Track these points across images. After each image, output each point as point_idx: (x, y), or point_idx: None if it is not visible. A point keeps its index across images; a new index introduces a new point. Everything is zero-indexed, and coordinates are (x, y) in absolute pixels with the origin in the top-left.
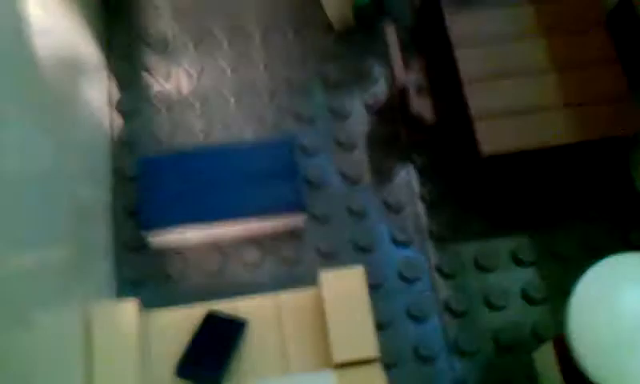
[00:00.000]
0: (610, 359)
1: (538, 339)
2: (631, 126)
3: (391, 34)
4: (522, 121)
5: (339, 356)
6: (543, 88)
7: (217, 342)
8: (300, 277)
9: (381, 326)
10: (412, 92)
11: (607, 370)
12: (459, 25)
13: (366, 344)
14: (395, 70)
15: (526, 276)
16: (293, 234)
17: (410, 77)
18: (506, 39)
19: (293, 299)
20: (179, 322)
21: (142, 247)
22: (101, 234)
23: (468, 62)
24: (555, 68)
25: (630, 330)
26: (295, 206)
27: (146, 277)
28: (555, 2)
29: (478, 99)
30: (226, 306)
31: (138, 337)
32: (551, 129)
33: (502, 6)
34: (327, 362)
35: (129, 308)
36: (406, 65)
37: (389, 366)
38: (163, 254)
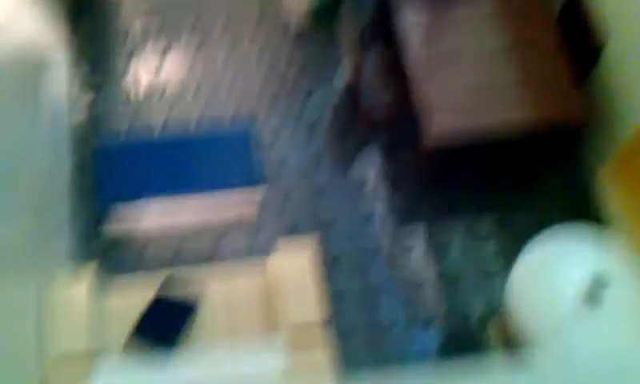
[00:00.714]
0: (547, 327)
1: (490, 312)
2: (577, 113)
3: (344, 33)
4: (470, 106)
5: (287, 319)
6: (493, 68)
7: (171, 312)
8: (259, 248)
9: (336, 296)
10: (366, 86)
11: (543, 335)
12: (409, 13)
13: (313, 309)
14: (347, 69)
15: (479, 252)
16: (252, 209)
17: (365, 71)
18: (456, 21)
19: (247, 268)
20: (136, 290)
21: (102, 227)
22: (62, 213)
23: (414, 44)
24: (504, 49)
25: (568, 303)
26: (253, 180)
27: (104, 257)
28: None
29: (424, 81)
30: (183, 275)
31: (90, 300)
32: (500, 108)
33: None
34: (277, 327)
35: (85, 275)
36: (362, 60)
37: (343, 337)
38: (123, 235)
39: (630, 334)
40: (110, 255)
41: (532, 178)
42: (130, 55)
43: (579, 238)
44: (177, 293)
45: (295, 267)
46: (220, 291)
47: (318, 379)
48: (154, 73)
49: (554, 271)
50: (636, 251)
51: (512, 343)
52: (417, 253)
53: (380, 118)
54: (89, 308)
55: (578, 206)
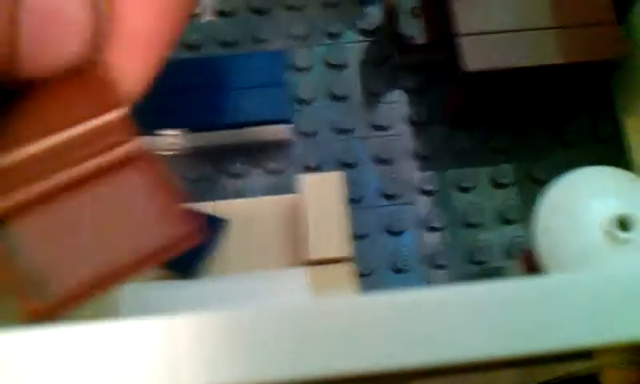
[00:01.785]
0: (573, 264)
1: (510, 257)
2: (616, 51)
3: None
4: (508, 40)
5: (313, 254)
6: (530, 9)
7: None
8: (284, 189)
9: (360, 237)
10: (402, 13)
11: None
12: None
13: (339, 244)
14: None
15: (503, 197)
16: (279, 147)
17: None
18: None
19: (273, 202)
20: None
21: None
22: None
23: None
24: None
25: (593, 240)
26: (282, 117)
27: None
28: None
29: (463, 16)
30: (206, 208)
31: None
32: (537, 49)
33: None
34: (303, 260)
35: None
36: None
37: (364, 275)
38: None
39: None
40: None
41: (563, 122)
42: None
43: (605, 177)
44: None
45: (322, 200)
46: (245, 222)
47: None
48: None
49: (578, 209)
50: None
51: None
52: (441, 197)
53: (418, 44)
54: None
55: (608, 155)
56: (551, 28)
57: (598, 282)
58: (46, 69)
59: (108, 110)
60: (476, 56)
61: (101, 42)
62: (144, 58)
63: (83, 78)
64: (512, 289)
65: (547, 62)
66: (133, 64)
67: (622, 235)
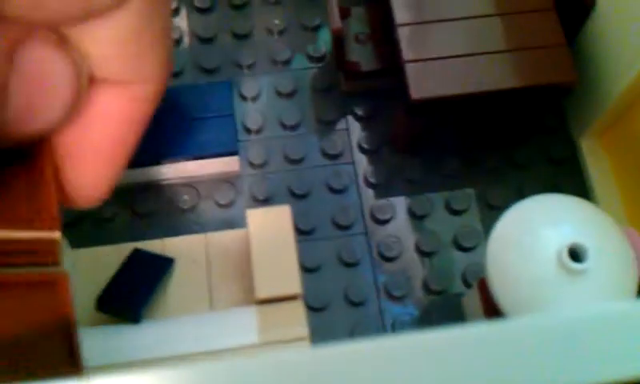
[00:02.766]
0: (524, 296)
1: (467, 285)
2: (567, 74)
3: None
4: (456, 66)
5: (261, 293)
6: (479, 34)
7: (141, 277)
8: (234, 222)
9: (312, 270)
10: (350, 40)
11: (522, 306)
12: None
13: (289, 281)
14: (331, 18)
15: (457, 224)
16: (228, 179)
17: (350, 25)
18: None
19: (221, 238)
20: (104, 259)
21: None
22: None
23: (401, 6)
24: (491, 14)
25: (545, 271)
26: (230, 149)
27: (78, 218)
28: None
29: (410, 44)
30: (154, 245)
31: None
32: (486, 74)
33: None
34: (252, 299)
35: None
36: (346, 13)
37: (318, 309)
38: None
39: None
40: (82, 221)
41: (516, 145)
42: None
43: (559, 205)
44: (146, 261)
45: (270, 236)
46: (194, 260)
47: (294, 349)
48: None
49: (531, 239)
50: (620, 220)
51: (492, 313)
52: (394, 226)
53: (365, 72)
54: None
55: (563, 177)
56: (500, 52)
57: (555, 326)
58: (32, 133)
59: (43, 227)
60: (422, 84)
61: (77, 110)
62: (106, 166)
63: (32, 182)
64: (470, 336)
65: (496, 87)
66: (94, 170)
67: (574, 266)
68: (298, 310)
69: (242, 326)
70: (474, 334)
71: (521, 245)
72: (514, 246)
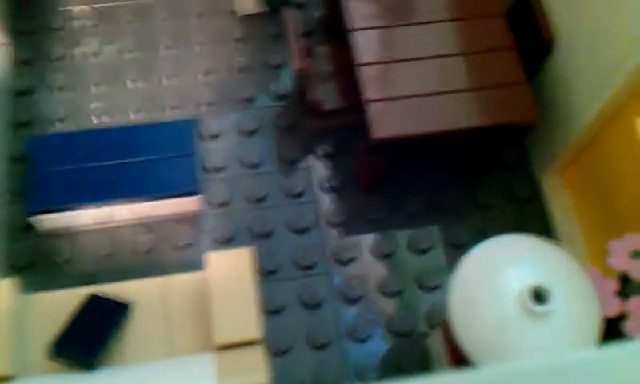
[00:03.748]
0: (487, 338)
1: (431, 326)
2: (528, 114)
3: (290, 20)
4: (414, 106)
5: (220, 338)
6: (438, 74)
7: (96, 323)
8: (194, 264)
9: (274, 312)
10: (313, 79)
11: (485, 349)
12: (357, 9)
13: (249, 326)
14: (292, 57)
15: (421, 263)
16: (188, 219)
17: (313, 63)
18: (403, 25)
19: (180, 282)
20: (61, 304)
21: (30, 230)
22: None
23: (364, 46)
24: (453, 54)
25: (508, 313)
26: (190, 190)
27: (33, 261)
28: None
29: (371, 83)
30: (112, 289)
31: (10, 316)
32: (443, 114)
33: None
34: (212, 344)
35: (3, 288)
36: (309, 52)
37: (281, 352)
38: (52, 236)
39: (578, 348)
40: (39, 263)
41: (479, 183)
42: (68, 41)
43: (521, 246)
44: (102, 307)
45: (230, 280)
46: (152, 302)
47: None
48: (91, 61)
49: (493, 281)
50: (583, 257)
51: (456, 354)
52: (358, 265)
53: (327, 110)
54: (8, 329)
55: (527, 215)
56: (462, 91)
57: (519, 374)
58: None
59: None
60: (383, 123)
61: None
62: None
63: None
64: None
65: (458, 126)
66: None
67: (537, 308)
68: (257, 355)
69: (199, 374)
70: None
71: (483, 286)
72: (476, 287)
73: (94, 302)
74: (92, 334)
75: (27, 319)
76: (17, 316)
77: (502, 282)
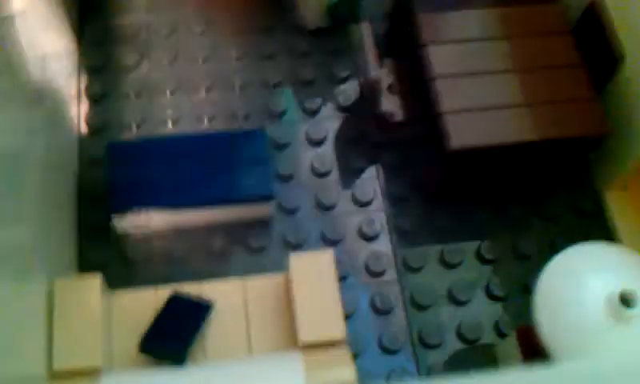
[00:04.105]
0: (577, 342)
1: (499, 334)
2: (595, 128)
3: (363, 33)
4: (489, 118)
5: (305, 336)
6: (509, 87)
7: (181, 320)
8: (266, 267)
9: (346, 317)
10: (382, 90)
11: (575, 352)
12: (429, 25)
13: (333, 326)
14: (367, 68)
15: (488, 273)
16: (261, 224)
17: (381, 76)
18: (474, 40)
19: (259, 284)
20: (142, 302)
21: (107, 231)
22: (65, 217)
23: (437, 59)
24: (521, 69)
25: (595, 317)
26: (264, 195)
27: (109, 261)
28: (523, 8)
29: (447, 95)
30: (192, 289)
31: (100, 310)
32: (517, 126)
33: (470, 9)
34: (294, 343)
35: (92, 282)
36: (377, 64)
37: (353, 356)
38: (128, 238)
39: None
40: (115, 263)
41: (545, 197)
42: (140, 52)
43: (603, 253)
44: (186, 305)
45: (313, 280)
46: (231, 302)
47: None
48: (166, 69)
49: (580, 286)
50: None
51: (534, 360)
52: (427, 273)
53: (397, 121)
54: (96, 321)
55: (590, 229)
56: (532, 104)
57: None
58: None
59: None
60: (460, 133)
61: None
62: None
63: None
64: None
65: (529, 138)
66: None
67: (626, 312)
68: (343, 353)
69: (287, 369)
70: (531, 375)
71: (570, 291)
72: (564, 292)
73: (179, 299)
74: (179, 330)
75: (112, 315)
76: (105, 311)
77: (586, 287)
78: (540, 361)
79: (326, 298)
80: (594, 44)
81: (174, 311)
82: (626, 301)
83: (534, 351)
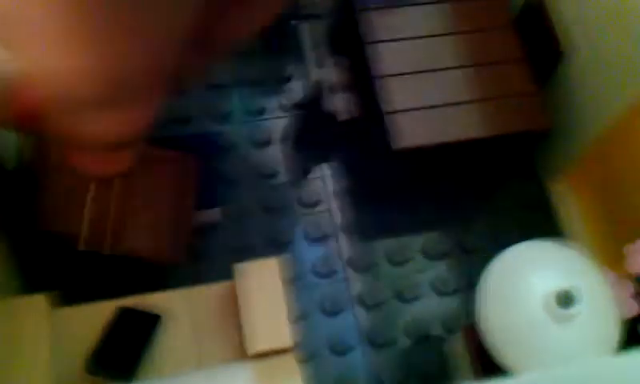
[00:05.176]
0: (517, 341)
1: (448, 330)
2: (536, 122)
3: (304, 32)
4: (434, 116)
5: (253, 347)
6: (456, 84)
7: (129, 336)
8: (212, 273)
9: (295, 321)
10: (326, 89)
11: (515, 351)
12: (375, 22)
13: (281, 334)
14: (309, 67)
15: (436, 269)
16: (206, 230)
17: (325, 74)
18: (420, 37)
19: (205, 293)
20: (90, 318)
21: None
22: None
23: (383, 57)
24: (467, 66)
25: (534, 312)
26: (209, 201)
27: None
28: (468, 3)
29: (392, 94)
30: (135, 302)
31: (47, 332)
32: (462, 124)
33: (414, 5)
34: (242, 353)
35: (36, 303)
36: (322, 63)
37: (304, 360)
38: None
39: (600, 349)
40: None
41: (492, 191)
42: None
43: (546, 251)
44: (133, 320)
45: (260, 289)
46: (180, 314)
47: None
48: None
49: (522, 285)
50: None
51: (480, 359)
52: (375, 272)
53: (342, 120)
54: (45, 344)
55: (537, 223)
56: (477, 101)
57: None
58: None
59: None
60: (406, 133)
61: None
62: None
63: None
64: None
65: (474, 135)
66: None
67: (561, 311)
68: (291, 362)
69: (237, 382)
70: None
71: (512, 290)
72: (505, 291)
73: (126, 314)
74: (127, 347)
75: (59, 334)
76: (52, 331)
77: (529, 286)
78: (486, 359)
79: (273, 307)
80: (536, 37)
81: (121, 327)
82: (563, 300)
83: (479, 349)
